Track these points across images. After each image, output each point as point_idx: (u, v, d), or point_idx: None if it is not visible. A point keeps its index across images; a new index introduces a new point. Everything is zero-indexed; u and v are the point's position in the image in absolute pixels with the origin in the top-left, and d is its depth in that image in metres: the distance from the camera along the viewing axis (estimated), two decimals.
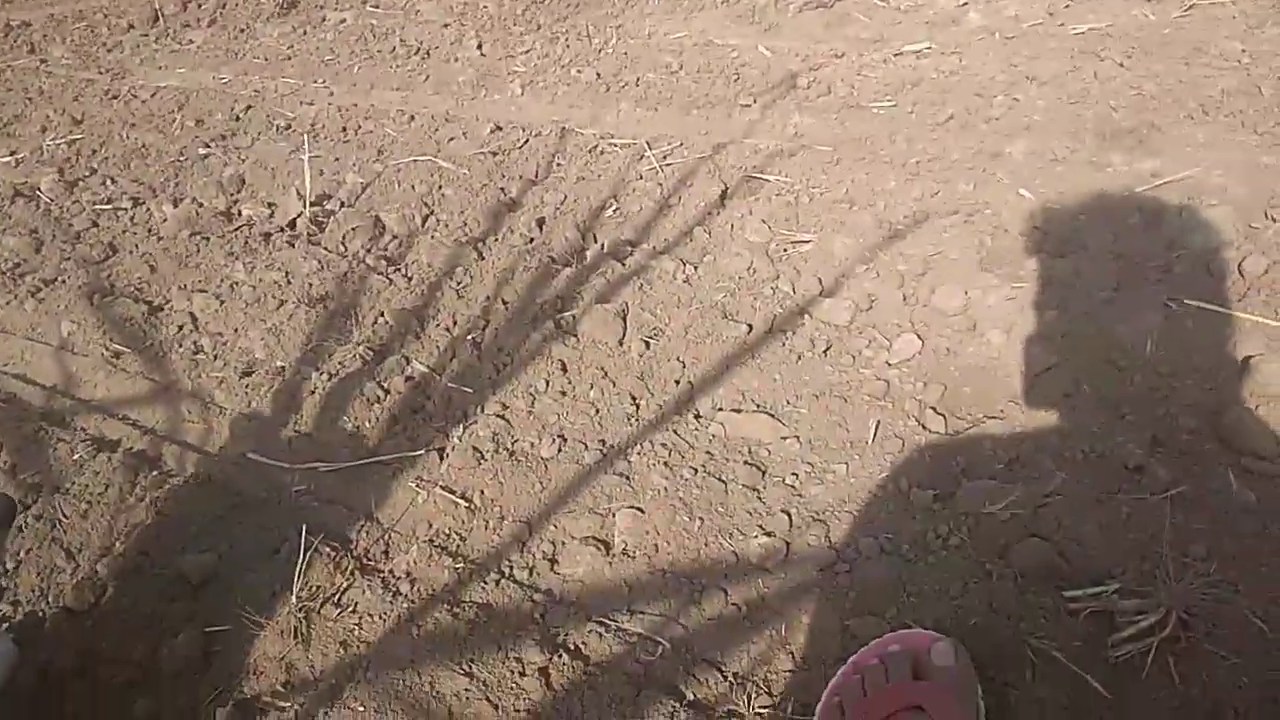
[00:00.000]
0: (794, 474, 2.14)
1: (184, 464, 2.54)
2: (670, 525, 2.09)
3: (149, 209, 3.62)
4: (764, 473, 2.16)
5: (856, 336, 2.46)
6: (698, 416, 2.34)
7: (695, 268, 2.77)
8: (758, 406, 2.32)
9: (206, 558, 2.15)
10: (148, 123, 4.43)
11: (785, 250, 2.79)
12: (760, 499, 2.11)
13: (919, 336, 2.40)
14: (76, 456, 2.52)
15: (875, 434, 2.18)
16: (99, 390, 2.85)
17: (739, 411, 2.31)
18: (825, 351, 2.42)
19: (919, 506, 1.99)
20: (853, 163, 3.16)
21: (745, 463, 2.18)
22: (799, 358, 2.42)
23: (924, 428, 2.18)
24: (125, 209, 3.64)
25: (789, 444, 2.21)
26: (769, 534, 2.01)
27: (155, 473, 2.45)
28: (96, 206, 3.67)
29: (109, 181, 3.88)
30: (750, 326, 2.53)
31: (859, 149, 3.25)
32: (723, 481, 2.15)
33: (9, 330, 3.14)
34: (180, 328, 2.98)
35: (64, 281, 3.25)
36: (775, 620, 1.88)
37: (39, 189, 3.90)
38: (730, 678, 1.79)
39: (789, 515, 2.04)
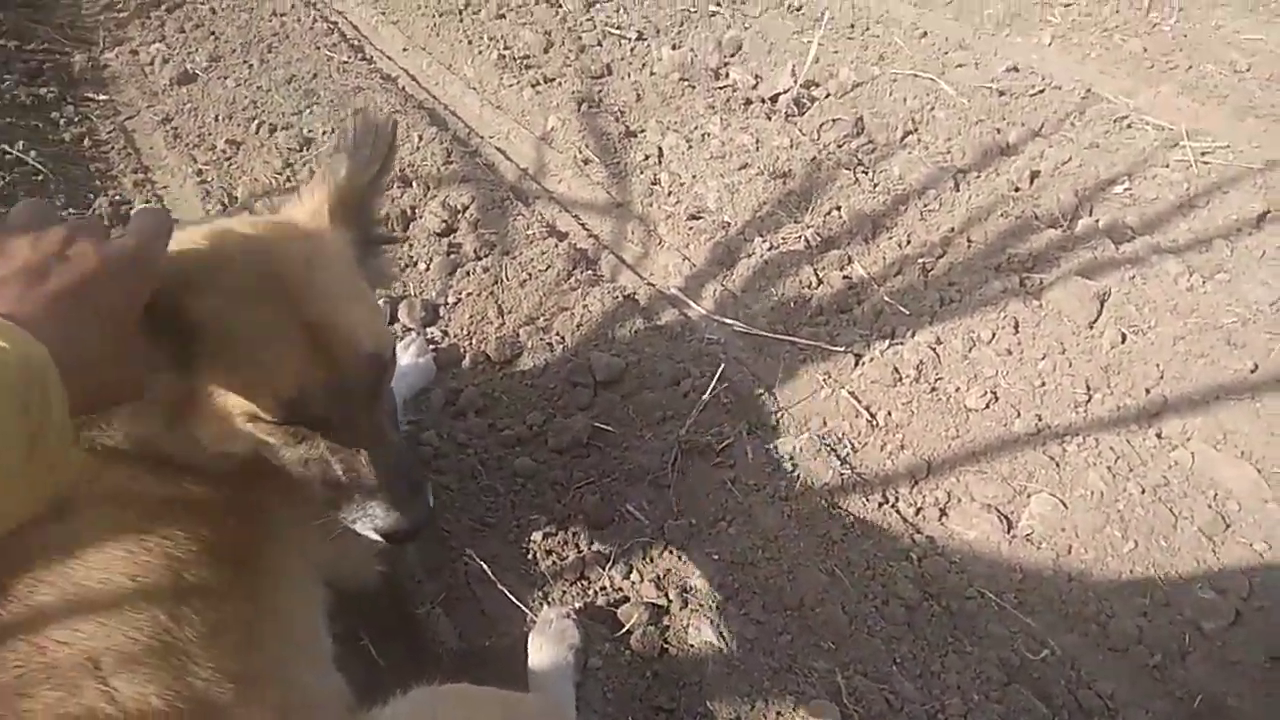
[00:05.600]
0: (1266, 542, 1.76)
1: (616, 275, 2.62)
2: (1095, 533, 1.81)
3: (649, 45, 3.75)
4: (1228, 526, 1.80)
5: None
6: (1160, 435, 2.00)
7: (1204, 280, 2.36)
8: (1241, 454, 1.93)
9: (616, 361, 2.20)
10: None
11: None
12: (1215, 552, 1.76)
13: None
14: (530, 232, 2.68)
15: None
16: (563, 186, 3.02)
17: (1216, 450, 1.93)
18: None
19: None
20: None
21: (1208, 506, 1.83)
22: None
23: None
24: (629, 39, 3.80)
25: (1270, 508, 1.82)
26: (1219, 591, 1.68)
27: (590, 272, 2.55)
28: (606, 29, 3.86)
29: (622, 10, 4.06)
30: (1257, 366, 2.11)
31: None
32: (1174, 515, 1.82)
33: (503, 109, 3.41)
34: (647, 157, 3.06)
35: (560, 84, 3.46)
36: (1192, 685, 1.57)
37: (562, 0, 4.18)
38: (1117, 715, 1.52)
39: (1250, 583, 1.69)
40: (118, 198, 2.89)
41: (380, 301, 2.40)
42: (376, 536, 1.25)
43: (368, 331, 1.18)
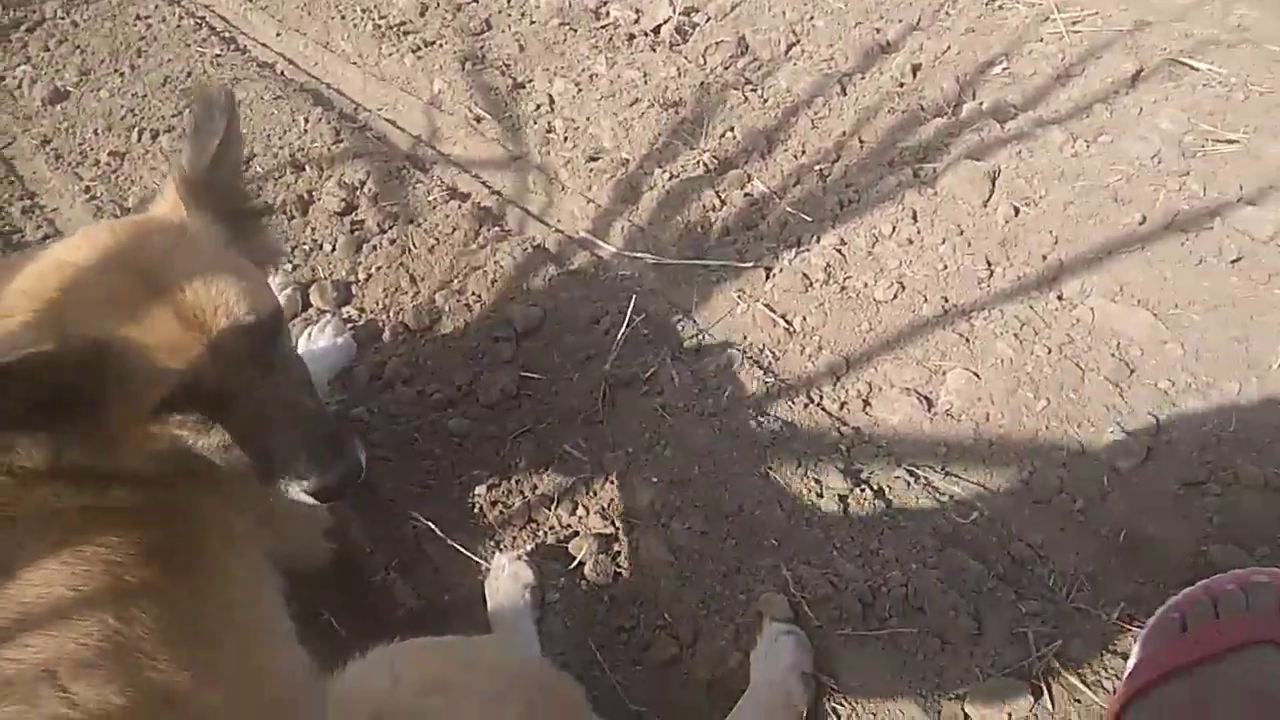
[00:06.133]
0: (1169, 380, 1.86)
1: (523, 227, 2.63)
2: (1009, 398, 1.89)
3: None
4: (1132, 371, 1.89)
5: (1278, 254, 2.07)
6: (1060, 297, 2.09)
7: (1088, 144, 2.44)
8: (1137, 302, 2.02)
9: (533, 311, 2.22)
10: None
11: (1203, 146, 2.38)
12: (1123, 396, 1.85)
13: None
14: (431, 198, 2.67)
15: None
16: (458, 147, 3.00)
17: (1114, 302, 2.03)
18: (1234, 262, 2.05)
19: None
20: None
21: (1111, 355, 1.92)
22: (1200, 261, 2.07)
23: None
24: None
25: (1169, 348, 1.92)
26: (1128, 434, 1.77)
27: (497, 228, 2.55)
28: None
29: None
30: (1144, 217, 2.20)
31: None
32: (1080, 369, 1.91)
33: (387, 80, 3.36)
34: (538, 106, 3.05)
35: (441, 45, 3.41)
36: (1114, 523, 1.66)
37: None
38: (1051, 566, 1.62)
39: (1156, 420, 1.78)
40: (7, 228, 2.82)
41: (290, 289, 2.38)
42: (310, 499, 1.27)
43: (241, 300, 1.19)
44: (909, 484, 1.78)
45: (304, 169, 2.79)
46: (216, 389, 1.18)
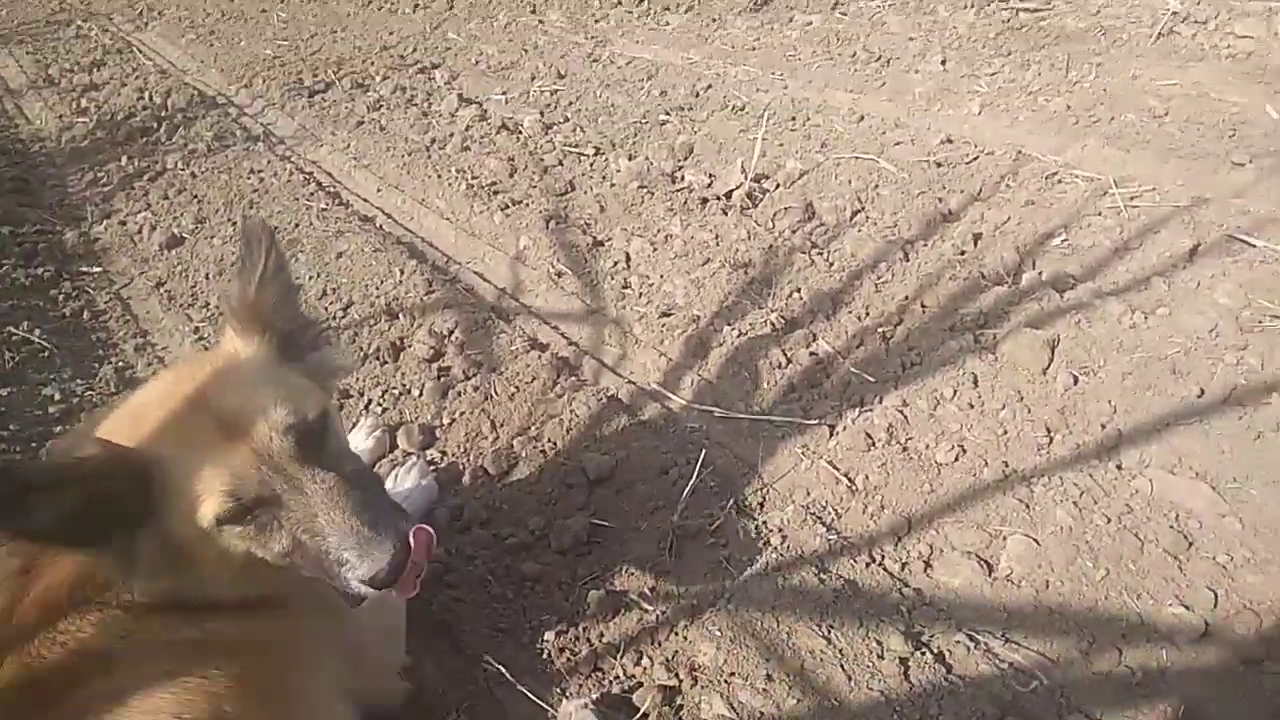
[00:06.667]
0: (1228, 554, 1.88)
1: (598, 378, 2.78)
2: (1069, 566, 1.92)
3: (607, 159, 4.00)
4: (1191, 544, 1.92)
5: None
6: (1119, 467, 2.13)
7: (1146, 316, 2.52)
8: (1196, 474, 2.06)
9: (605, 460, 2.34)
10: (619, 86, 4.90)
11: (1260, 321, 2.45)
12: (1181, 569, 1.87)
13: None
14: (513, 348, 2.85)
15: None
16: (539, 300, 3.20)
17: (1173, 474, 2.07)
18: None
19: None
20: None
21: (1170, 527, 1.95)
22: (1258, 436, 2.12)
23: None
24: (588, 155, 4.06)
25: (1227, 522, 1.94)
26: (1186, 607, 1.79)
27: (574, 378, 2.70)
28: (565, 148, 4.12)
29: (579, 129, 4.34)
30: (1203, 390, 2.25)
31: None
32: (1139, 539, 1.94)
33: (477, 235, 3.62)
34: (615, 263, 3.26)
35: (528, 205, 3.68)
36: (1173, 698, 1.66)
37: (521, 125, 4.46)
38: None
39: (1215, 595, 1.80)
40: (121, 364, 3.05)
41: (380, 431, 2.54)
42: (366, 589, 1.32)
43: (282, 405, 1.32)
44: (969, 649, 1.80)
45: (397, 317, 3.01)
46: (266, 494, 1.28)
